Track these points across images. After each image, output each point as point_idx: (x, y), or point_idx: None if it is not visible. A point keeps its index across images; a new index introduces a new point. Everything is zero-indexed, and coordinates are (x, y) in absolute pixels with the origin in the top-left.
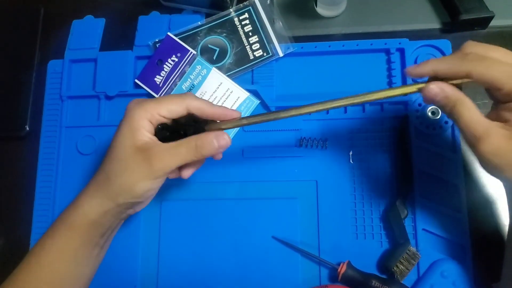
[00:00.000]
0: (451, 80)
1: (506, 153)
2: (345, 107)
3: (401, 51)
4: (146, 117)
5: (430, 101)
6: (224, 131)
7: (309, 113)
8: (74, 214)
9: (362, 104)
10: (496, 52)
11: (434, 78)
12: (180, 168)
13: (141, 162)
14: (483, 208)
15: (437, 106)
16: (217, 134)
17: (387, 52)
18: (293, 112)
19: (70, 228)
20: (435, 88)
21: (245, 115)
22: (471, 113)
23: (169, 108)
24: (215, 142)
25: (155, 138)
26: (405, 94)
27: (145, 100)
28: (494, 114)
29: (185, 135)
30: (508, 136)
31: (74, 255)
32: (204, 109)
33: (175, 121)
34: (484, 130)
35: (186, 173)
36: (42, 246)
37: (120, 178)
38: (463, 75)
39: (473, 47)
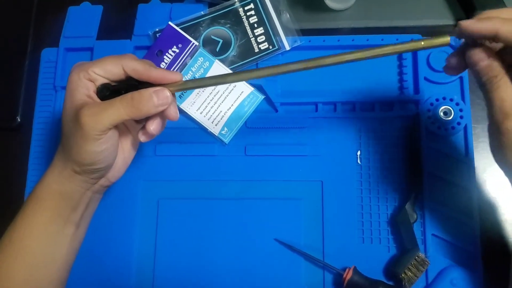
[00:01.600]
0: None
1: None
2: (353, 104)
3: None
4: (84, 77)
5: (469, 64)
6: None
7: (259, 77)
8: (40, 187)
9: (372, 103)
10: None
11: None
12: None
13: (77, 124)
14: (495, 214)
15: (472, 71)
16: (157, 89)
17: None
18: (243, 76)
19: (37, 201)
20: (481, 53)
21: (249, 111)
22: (509, 89)
23: (105, 68)
24: (154, 96)
25: (95, 97)
26: (426, 48)
27: (84, 61)
28: None
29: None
30: None
31: (44, 230)
32: (139, 70)
33: (119, 82)
34: None
35: (151, 127)
36: (13, 223)
37: (67, 144)
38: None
39: (494, 13)
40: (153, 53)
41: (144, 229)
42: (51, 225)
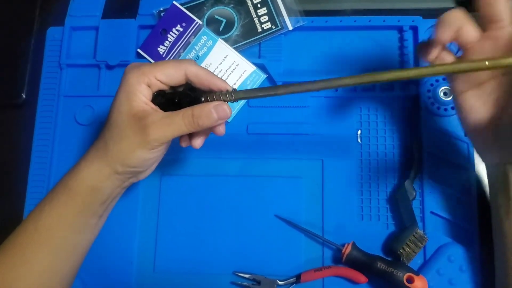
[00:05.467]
0: None
1: None
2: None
3: (414, 29)
4: (143, 81)
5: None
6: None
7: (311, 91)
8: (73, 179)
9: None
10: None
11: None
12: (190, 136)
13: (137, 131)
14: None
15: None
16: (216, 104)
17: (400, 29)
18: (293, 89)
19: (69, 193)
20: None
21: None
22: None
23: (166, 72)
24: (214, 112)
25: (152, 105)
26: (491, 69)
27: (143, 63)
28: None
29: (179, 103)
30: None
31: (72, 221)
32: (202, 76)
33: (174, 89)
34: None
35: (196, 143)
36: (41, 210)
37: (117, 146)
38: None
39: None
40: (157, 32)
41: (146, 205)
42: (79, 218)
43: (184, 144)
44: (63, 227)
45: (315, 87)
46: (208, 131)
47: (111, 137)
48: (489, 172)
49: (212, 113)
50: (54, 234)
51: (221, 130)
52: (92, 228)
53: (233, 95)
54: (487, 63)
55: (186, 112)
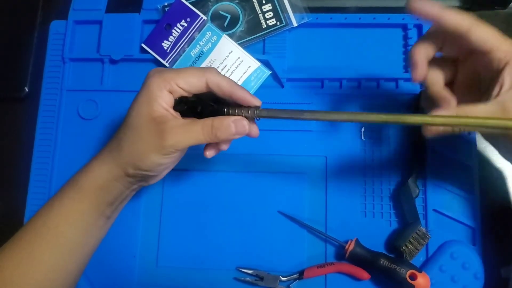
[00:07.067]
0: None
1: None
2: (358, 81)
3: (419, 27)
4: (165, 87)
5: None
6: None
7: (336, 120)
8: (83, 178)
9: (377, 81)
10: None
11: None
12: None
13: (154, 134)
14: (495, 191)
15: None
16: (236, 118)
17: (404, 27)
18: (318, 116)
19: (79, 191)
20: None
21: (256, 86)
22: None
23: (188, 80)
24: (233, 126)
25: (172, 111)
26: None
27: (165, 69)
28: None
29: (201, 112)
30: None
31: (80, 220)
32: (223, 85)
33: (197, 97)
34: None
35: (209, 153)
36: (50, 208)
37: (131, 147)
38: (463, 30)
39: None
40: (162, 27)
41: (149, 200)
42: (87, 216)
43: (209, 152)
44: (71, 225)
45: (341, 117)
46: (224, 145)
47: (127, 138)
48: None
49: (231, 126)
50: (62, 232)
51: (253, 133)
52: (100, 229)
53: (256, 112)
54: None
55: (206, 122)
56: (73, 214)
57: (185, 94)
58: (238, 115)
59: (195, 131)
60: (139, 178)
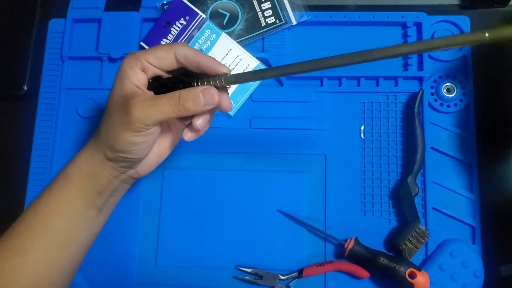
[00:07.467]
0: None
1: None
2: (358, 79)
3: (418, 26)
4: (136, 65)
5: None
6: (231, 100)
7: (298, 73)
8: (70, 167)
9: (376, 79)
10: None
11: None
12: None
13: (122, 111)
14: (494, 189)
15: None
16: (204, 88)
17: (404, 26)
18: (282, 71)
19: (66, 180)
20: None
21: (254, 85)
22: None
23: (158, 55)
24: (201, 96)
25: (144, 88)
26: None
27: (138, 51)
28: None
29: (172, 88)
30: None
31: (69, 210)
32: (190, 56)
33: (169, 74)
34: None
35: (187, 136)
36: (40, 198)
37: (105, 128)
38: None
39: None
40: (161, 25)
41: (148, 199)
42: (76, 205)
43: (187, 135)
44: (60, 215)
45: (303, 68)
46: (211, 111)
47: (103, 121)
48: None
49: (199, 96)
50: (51, 222)
51: (224, 105)
52: (90, 221)
53: (223, 80)
54: (486, 34)
55: (173, 94)
56: (62, 203)
57: (158, 72)
58: (207, 85)
59: (161, 104)
60: (120, 163)
